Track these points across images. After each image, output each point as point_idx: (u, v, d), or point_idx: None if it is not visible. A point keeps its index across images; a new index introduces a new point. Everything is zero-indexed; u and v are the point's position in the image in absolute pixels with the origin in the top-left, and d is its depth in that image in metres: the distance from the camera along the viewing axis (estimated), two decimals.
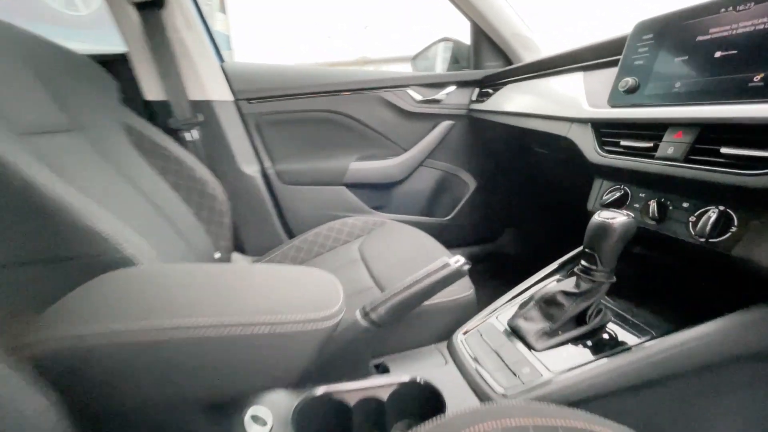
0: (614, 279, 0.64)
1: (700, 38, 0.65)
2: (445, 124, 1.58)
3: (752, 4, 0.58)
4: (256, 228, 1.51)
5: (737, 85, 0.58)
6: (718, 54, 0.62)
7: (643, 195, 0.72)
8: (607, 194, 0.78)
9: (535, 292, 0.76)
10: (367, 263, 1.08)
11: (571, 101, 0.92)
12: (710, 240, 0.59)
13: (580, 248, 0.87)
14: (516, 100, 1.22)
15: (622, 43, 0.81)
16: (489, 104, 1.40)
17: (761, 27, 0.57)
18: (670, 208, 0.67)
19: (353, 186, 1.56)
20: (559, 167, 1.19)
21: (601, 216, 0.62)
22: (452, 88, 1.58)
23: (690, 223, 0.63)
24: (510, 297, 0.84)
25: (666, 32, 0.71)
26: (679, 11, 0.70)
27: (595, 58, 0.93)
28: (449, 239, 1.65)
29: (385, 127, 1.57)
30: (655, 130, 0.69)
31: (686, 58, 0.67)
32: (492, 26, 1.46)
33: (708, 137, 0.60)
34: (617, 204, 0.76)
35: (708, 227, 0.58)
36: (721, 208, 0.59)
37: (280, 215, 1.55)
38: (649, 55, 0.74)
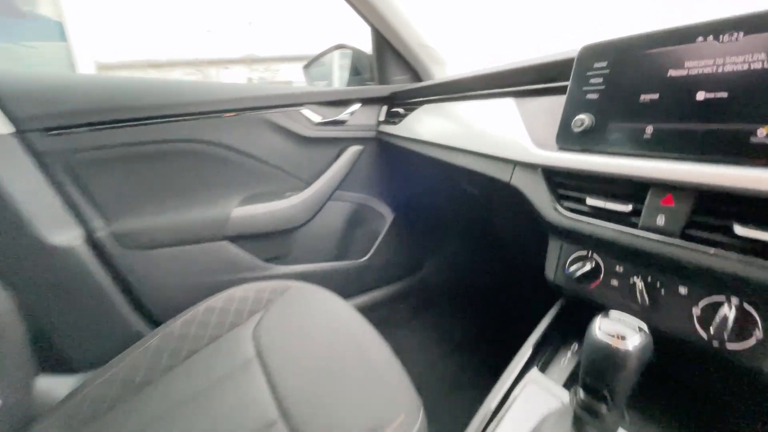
0: (628, 420, 0.46)
1: (673, 73, 0.51)
2: (353, 150, 1.32)
3: (741, 34, 0.45)
4: (87, 329, 1.02)
5: (734, 140, 0.45)
6: (700, 95, 0.48)
7: (621, 269, 0.57)
8: (573, 264, 0.62)
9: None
10: (266, 367, 0.75)
11: (509, 137, 0.74)
12: (728, 347, 0.45)
13: (549, 321, 0.70)
14: (436, 127, 1.02)
15: (565, 67, 0.66)
16: (402, 128, 1.18)
17: (757, 66, 0.44)
18: (662, 292, 0.52)
19: (240, 238, 1.18)
20: (498, 211, 1.03)
21: (602, 332, 0.43)
22: (357, 106, 1.32)
23: (695, 318, 0.48)
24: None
25: (624, 62, 0.57)
26: (636, 37, 0.56)
27: (531, 82, 0.77)
28: (369, 282, 1.40)
29: (278, 158, 1.23)
30: (631, 188, 0.54)
31: (657, 97, 0.53)
32: (396, 34, 1.25)
33: (710, 207, 0.46)
34: (590, 278, 0.60)
35: (727, 330, 0.43)
36: (735, 301, 0.45)
37: (131, 298, 1.08)
38: (606, 89, 0.59)
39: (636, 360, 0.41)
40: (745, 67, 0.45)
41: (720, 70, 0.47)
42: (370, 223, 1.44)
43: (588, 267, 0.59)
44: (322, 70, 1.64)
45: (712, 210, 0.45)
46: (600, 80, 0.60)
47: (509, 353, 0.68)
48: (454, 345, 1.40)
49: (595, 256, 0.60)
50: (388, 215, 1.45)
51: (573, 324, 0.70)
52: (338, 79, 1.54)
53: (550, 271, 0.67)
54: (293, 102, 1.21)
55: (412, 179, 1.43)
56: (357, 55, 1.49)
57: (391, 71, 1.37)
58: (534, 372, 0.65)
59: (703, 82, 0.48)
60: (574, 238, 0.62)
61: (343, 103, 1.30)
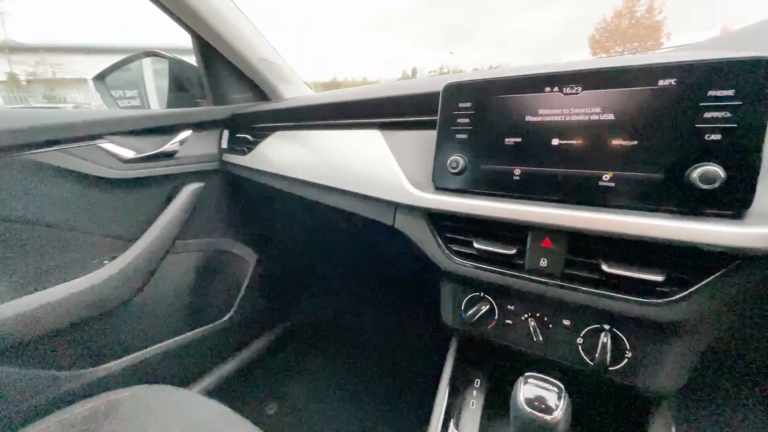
0: None
1: (530, 119, 0.54)
2: (191, 189, 1.05)
3: (579, 89, 0.50)
4: None
5: (586, 185, 0.50)
6: (555, 142, 0.52)
7: (514, 308, 0.58)
8: (469, 307, 0.61)
9: None
10: None
11: (385, 175, 0.68)
12: (609, 369, 0.50)
13: (450, 371, 0.68)
14: (298, 160, 0.89)
15: (432, 101, 0.64)
16: (254, 159, 1.00)
17: (595, 118, 0.49)
18: (550, 326, 0.55)
19: (16, 352, 0.77)
20: (382, 248, 0.97)
21: (527, 406, 0.41)
22: (187, 133, 1.05)
23: (580, 348, 0.53)
24: None
25: (486, 105, 0.57)
26: (493, 80, 0.57)
27: (398, 113, 0.73)
28: (236, 342, 1.17)
29: (70, 214, 0.86)
30: (513, 231, 0.55)
31: (520, 141, 0.55)
32: (228, 46, 1.03)
33: (581, 247, 0.50)
34: (486, 319, 0.59)
35: (606, 356, 0.48)
36: (608, 328, 0.50)
37: None
38: (474, 130, 0.59)
39: (564, 423, 0.40)
40: (586, 118, 0.50)
41: (567, 119, 0.51)
42: (229, 271, 1.19)
43: (484, 309, 0.59)
44: (127, 81, 1.25)
45: (583, 250, 0.49)
46: (467, 120, 0.59)
47: (409, 397, 0.64)
48: (349, 393, 1.29)
49: (489, 297, 0.60)
50: (250, 258, 1.22)
51: (473, 359, 0.70)
52: (155, 97, 1.20)
53: (447, 316, 0.65)
54: (86, 133, 0.86)
55: (275, 215, 1.25)
56: (177, 66, 1.19)
57: (229, 88, 1.14)
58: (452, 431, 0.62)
59: (555, 129, 0.52)
60: (467, 281, 0.61)
61: (168, 129, 1.01)
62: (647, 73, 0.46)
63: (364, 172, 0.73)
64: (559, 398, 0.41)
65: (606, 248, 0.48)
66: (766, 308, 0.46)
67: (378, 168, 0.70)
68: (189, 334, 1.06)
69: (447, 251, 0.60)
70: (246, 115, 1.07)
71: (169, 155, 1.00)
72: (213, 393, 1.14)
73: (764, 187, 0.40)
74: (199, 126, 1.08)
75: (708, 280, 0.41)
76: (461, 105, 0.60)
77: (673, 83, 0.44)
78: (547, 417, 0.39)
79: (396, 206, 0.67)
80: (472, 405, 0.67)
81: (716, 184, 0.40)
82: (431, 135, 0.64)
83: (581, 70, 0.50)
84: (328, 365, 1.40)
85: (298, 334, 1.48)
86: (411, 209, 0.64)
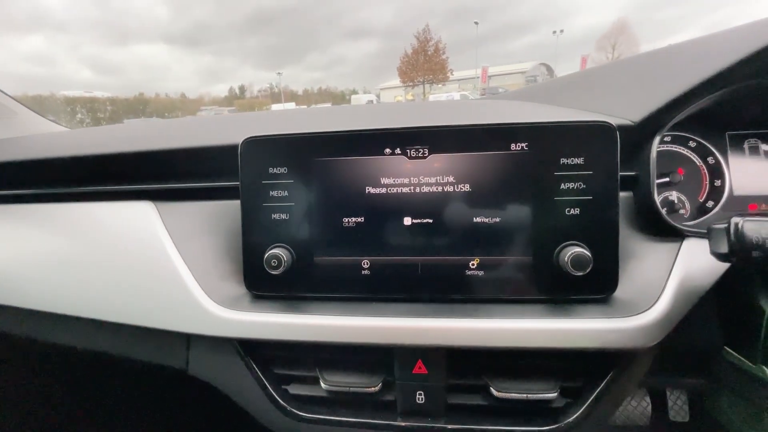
0: None
1: (371, 191, 0.39)
2: None
3: (426, 151, 0.38)
4: None
5: (453, 275, 0.38)
6: (408, 221, 0.38)
7: None
8: None
9: None
10: None
11: (163, 284, 0.41)
12: None
13: None
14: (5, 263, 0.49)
15: (227, 157, 0.41)
16: None
17: (450, 189, 0.38)
18: None
19: None
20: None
21: None
22: None
23: None
24: None
25: (308, 169, 0.39)
26: (313, 137, 0.39)
27: (181, 175, 0.47)
28: None
29: None
30: (373, 354, 0.38)
31: (362, 221, 0.39)
32: None
33: (464, 366, 0.37)
34: None
35: None
36: None
37: None
38: (297, 207, 0.40)
39: None
40: (440, 189, 0.38)
41: (418, 191, 0.38)
42: None
43: None
44: None
45: (467, 369, 0.37)
46: (284, 193, 0.40)
47: None
48: None
49: None
50: None
51: None
52: None
53: None
54: None
55: None
56: None
57: None
58: None
59: (405, 204, 0.38)
60: None
61: None
62: (497, 135, 0.37)
63: (128, 280, 0.43)
64: None
65: (492, 362, 0.36)
66: None
67: (152, 271, 0.42)
68: None
69: (281, 401, 0.38)
70: None
71: None
72: None
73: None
74: None
75: (603, 384, 0.35)
76: (273, 171, 0.40)
77: (524, 147, 0.37)
78: None
79: (189, 338, 0.41)
80: None
81: (586, 270, 0.34)
82: (231, 206, 0.42)
83: (426, 127, 0.38)
84: None
85: None
86: (214, 341, 0.39)
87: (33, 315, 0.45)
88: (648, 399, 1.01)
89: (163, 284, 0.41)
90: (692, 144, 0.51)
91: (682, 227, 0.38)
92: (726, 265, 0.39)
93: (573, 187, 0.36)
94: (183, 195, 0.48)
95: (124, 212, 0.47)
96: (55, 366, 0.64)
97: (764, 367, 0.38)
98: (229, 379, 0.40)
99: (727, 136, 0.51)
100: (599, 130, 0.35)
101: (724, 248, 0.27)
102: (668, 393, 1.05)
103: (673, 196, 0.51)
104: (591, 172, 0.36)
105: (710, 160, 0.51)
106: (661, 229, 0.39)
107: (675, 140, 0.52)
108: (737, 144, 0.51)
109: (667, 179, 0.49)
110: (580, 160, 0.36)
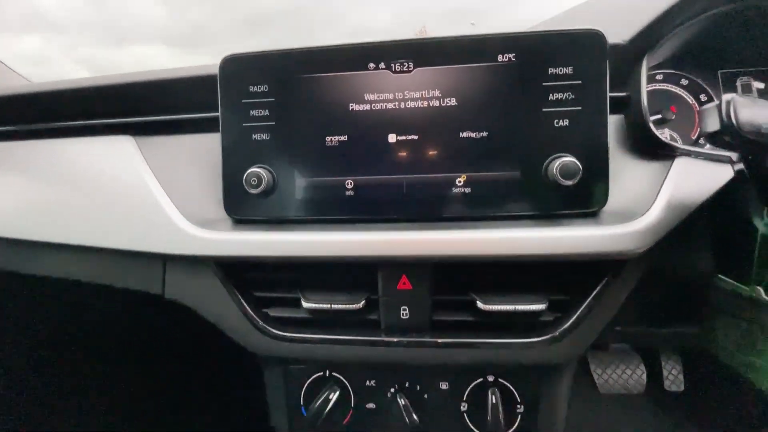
0: None
1: (355, 108, 0.37)
2: None
3: (411, 64, 0.37)
4: None
5: (439, 193, 0.37)
6: (392, 138, 0.37)
7: (374, 383, 0.40)
8: (312, 398, 0.39)
9: None
10: None
11: (141, 209, 0.40)
12: None
13: None
14: None
15: (209, 87, 0.40)
16: None
17: (435, 104, 0.37)
18: (425, 396, 0.39)
19: None
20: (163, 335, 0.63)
21: None
22: None
23: (464, 415, 0.38)
24: None
25: (291, 88, 0.38)
26: (294, 52, 0.38)
27: (159, 109, 0.45)
28: None
29: None
30: (357, 274, 0.36)
31: (346, 139, 0.38)
32: None
33: (449, 282, 0.36)
34: (340, 410, 0.39)
35: (500, 419, 0.35)
36: (492, 379, 0.38)
37: None
38: (278, 127, 0.38)
39: None
40: (425, 104, 0.37)
41: (403, 106, 0.37)
42: None
43: (334, 397, 0.38)
44: None
45: (452, 285, 0.35)
46: (265, 112, 0.38)
47: None
48: None
49: (339, 376, 0.40)
50: None
51: None
52: None
53: (279, 420, 0.41)
54: None
55: None
56: None
57: None
58: None
59: (390, 121, 0.37)
60: (302, 360, 0.39)
61: None
62: (484, 46, 0.36)
63: (105, 207, 0.41)
64: None
65: (478, 278, 0.35)
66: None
67: (129, 198, 0.41)
68: None
69: (261, 322, 0.37)
70: None
71: None
72: None
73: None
74: None
75: (591, 296, 0.33)
76: (253, 89, 0.38)
77: (512, 58, 0.36)
78: None
79: (165, 260, 0.40)
80: None
81: (575, 180, 0.33)
82: (213, 139, 0.40)
83: (411, 40, 0.36)
84: None
85: None
86: (191, 262, 0.38)
87: (12, 245, 0.44)
88: (643, 368, 1.00)
89: (139, 208, 0.39)
90: (684, 82, 0.51)
91: (672, 144, 0.37)
92: (719, 183, 0.38)
93: (562, 98, 0.35)
94: (164, 129, 0.46)
95: (103, 145, 0.46)
96: (35, 299, 0.62)
97: (757, 287, 0.37)
98: (207, 303, 0.38)
99: (719, 74, 0.50)
100: (588, 39, 0.34)
101: (714, 125, 0.26)
102: (663, 363, 1.04)
103: (666, 133, 0.50)
104: (580, 82, 0.35)
105: (702, 97, 0.50)
106: (653, 148, 0.38)
107: (667, 79, 0.51)
108: (730, 82, 0.50)
109: (659, 116, 0.48)
110: (568, 70, 0.35)
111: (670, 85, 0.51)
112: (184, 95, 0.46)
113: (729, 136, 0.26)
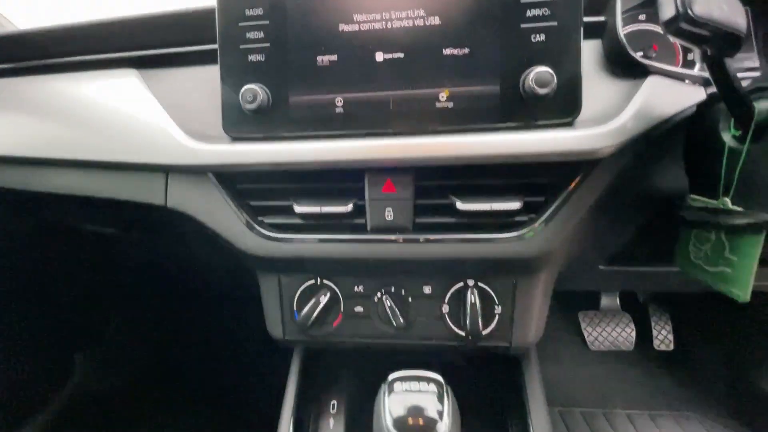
0: None
1: (344, 28, 0.40)
2: None
3: None
4: None
5: (423, 107, 0.39)
6: (380, 56, 0.40)
7: (361, 288, 0.42)
8: (304, 303, 0.42)
9: None
10: None
11: (144, 129, 0.42)
12: (483, 334, 0.40)
13: (294, 399, 0.47)
14: None
15: (207, 18, 0.42)
16: None
17: (420, 23, 0.39)
18: (410, 300, 0.42)
19: None
20: (160, 252, 0.66)
21: (396, 425, 0.25)
22: None
23: (446, 317, 0.41)
24: None
25: (284, 9, 0.40)
26: None
27: (163, 43, 0.48)
28: None
29: None
30: (344, 180, 0.39)
31: (336, 59, 0.40)
32: None
33: (430, 185, 0.38)
34: (329, 314, 0.42)
35: (478, 318, 0.38)
36: (472, 283, 0.40)
37: None
38: (273, 48, 0.41)
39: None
40: (411, 24, 0.39)
41: (389, 26, 0.39)
42: None
43: (324, 301, 0.41)
44: None
45: (433, 189, 0.38)
46: (260, 34, 0.41)
47: None
48: None
49: (327, 282, 0.43)
50: None
51: (325, 378, 0.51)
52: None
53: (275, 325, 0.44)
54: None
55: None
56: None
57: None
58: None
59: (377, 40, 0.39)
60: (294, 264, 0.42)
61: None
62: None
63: (110, 126, 0.44)
64: (441, 398, 0.27)
65: (457, 181, 0.38)
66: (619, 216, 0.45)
67: (133, 120, 0.43)
68: None
69: (257, 226, 0.40)
70: None
71: None
72: None
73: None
74: None
75: (562, 196, 0.36)
76: (249, 12, 0.41)
77: None
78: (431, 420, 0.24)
79: (167, 172, 0.42)
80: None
81: (549, 88, 0.35)
82: (214, 71, 0.43)
83: None
84: None
85: (81, 412, 0.97)
86: (192, 172, 0.41)
87: (32, 164, 0.47)
88: (633, 326, 1.03)
89: (144, 125, 0.42)
90: None
91: (645, 62, 0.39)
92: (689, 102, 0.40)
93: (539, 14, 0.37)
94: (165, 62, 0.49)
95: (110, 77, 0.49)
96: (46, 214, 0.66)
97: (725, 198, 0.39)
98: (206, 211, 0.41)
99: None
100: None
101: (671, 11, 0.28)
102: (653, 323, 1.06)
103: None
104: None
105: None
106: (627, 66, 0.40)
107: (650, 18, 0.53)
108: None
109: (641, 53, 0.50)
110: None
111: (652, 25, 0.52)
112: (186, 29, 0.48)
113: (684, 22, 0.28)
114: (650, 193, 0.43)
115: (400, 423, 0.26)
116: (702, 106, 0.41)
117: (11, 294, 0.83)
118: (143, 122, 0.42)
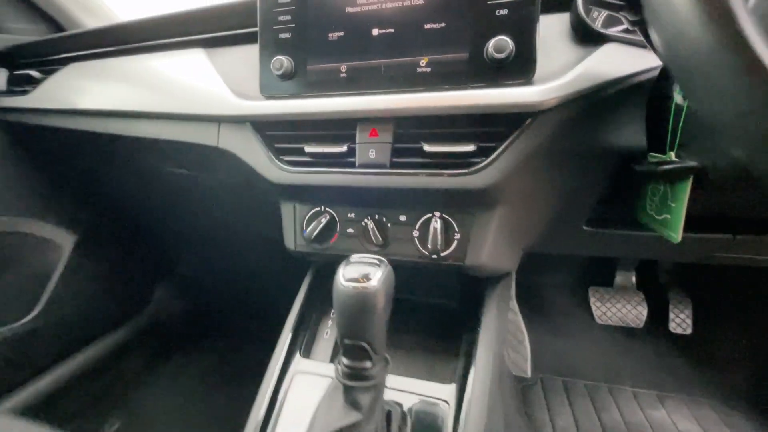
0: (390, 363, 0.43)
1: (349, 10, 0.51)
2: None
3: None
4: None
5: (407, 72, 0.49)
6: (375, 32, 0.50)
7: (353, 215, 0.55)
8: (310, 223, 0.55)
9: None
10: None
11: (206, 91, 0.58)
12: (442, 254, 0.50)
13: (301, 300, 0.61)
14: (102, 92, 0.70)
15: (251, 8, 0.56)
16: (40, 98, 0.76)
17: (408, 3, 0.49)
18: (389, 225, 0.53)
19: None
20: (221, 193, 0.84)
21: (346, 281, 0.37)
22: None
23: (415, 239, 0.52)
24: None
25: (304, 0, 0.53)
26: None
27: (221, 28, 0.63)
28: (60, 346, 0.92)
29: None
30: (341, 128, 0.51)
31: (342, 34, 0.51)
32: None
33: (405, 133, 0.48)
34: (328, 233, 0.55)
35: (438, 240, 0.48)
36: (438, 215, 0.50)
37: None
38: (297, 28, 0.53)
39: (385, 295, 0.37)
40: (400, 4, 0.49)
41: (384, 6, 0.50)
42: (26, 263, 0.90)
43: (324, 221, 0.54)
44: None
45: (407, 136, 0.48)
46: (288, 18, 0.53)
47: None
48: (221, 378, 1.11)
49: (328, 209, 0.56)
50: (65, 241, 0.95)
51: (327, 292, 0.65)
52: None
53: (289, 240, 0.58)
54: None
55: (87, 174, 0.99)
56: None
57: (4, 15, 0.86)
58: (297, 361, 0.56)
59: (373, 19, 0.50)
60: (304, 195, 0.56)
61: None
62: None
63: (183, 90, 0.61)
64: (378, 266, 0.38)
65: (425, 130, 0.48)
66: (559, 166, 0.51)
67: (199, 85, 0.59)
68: None
69: (278, 162, 0.53)
70: (29, 47, 0.82)
71: None
72: (29, 411, 0.87)
73: (541, 60, 0.45)
74: None
75: (507, 141, 0.44)
76: (281, 1, 0.54)
77: None
78: (367, 285, 0.35)
79: (219, 122, 0.57)
80: (326, 335, 0.62)
81: (506, 53, 0.43)
82: (257, 49, 0.56)
83: None
84: (191, 364, 1.19)
85: (155, 332, 1.23)
86: (236, 122, 0.55)
87: (111, 115, 0.66)
88: (645, 305, 1.03)
89: (204, 89, 0.58)
90: None
91: (602, 30, 0.45)
92: (642, 66, 0.45)
93: None
94: (224, 42, 0.64)
95: (183, 55, 0.65)
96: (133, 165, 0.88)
97: (671, 152, 0.44)
98: (245, 149, 0.56)
99: None
100: None
101: None
102: (672, 306, 1.05)
103: None
104: None
105: None
106: (589, 36, 0.46)
107: None
108: None
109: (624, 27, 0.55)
110: None
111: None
112: (237, 16, 0.63)
113: None
114: (611, 150, 0.49)
115: (349, 277, 0.37)
116: (663, 71, 0.46)
117: (112, 229, 1.08)
118: (205, 86, 0.58)
